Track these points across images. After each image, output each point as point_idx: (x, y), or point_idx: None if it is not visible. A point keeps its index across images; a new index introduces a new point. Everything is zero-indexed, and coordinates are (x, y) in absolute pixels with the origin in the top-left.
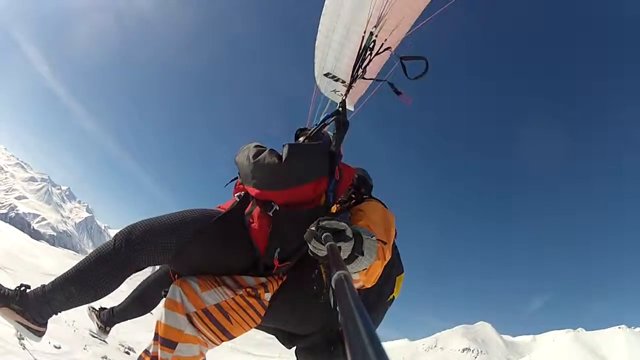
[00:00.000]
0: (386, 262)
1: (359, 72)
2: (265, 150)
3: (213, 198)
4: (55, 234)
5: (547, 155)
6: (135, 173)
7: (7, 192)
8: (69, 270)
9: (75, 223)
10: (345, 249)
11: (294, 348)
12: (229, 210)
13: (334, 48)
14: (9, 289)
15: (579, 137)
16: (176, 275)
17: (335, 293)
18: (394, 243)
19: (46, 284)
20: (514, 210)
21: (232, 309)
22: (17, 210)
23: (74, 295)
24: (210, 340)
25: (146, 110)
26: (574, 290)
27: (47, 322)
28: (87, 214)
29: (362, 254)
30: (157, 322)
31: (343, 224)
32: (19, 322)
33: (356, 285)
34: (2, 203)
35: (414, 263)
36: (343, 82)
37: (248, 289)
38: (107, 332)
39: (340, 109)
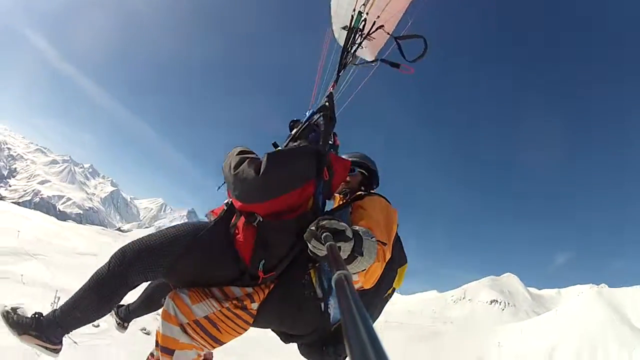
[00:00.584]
0: (386, 262)
1: (347, 58)
2: (246, 159)
3: None
4: (81, 212)
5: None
6: (155, 142)
7: (29, 179)
8: (73, 296)
9: (101, 198)
10: (345, 249)
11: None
12: (215, 222)
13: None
14: (26, 318)
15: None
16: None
17: (336, 293)
18: (396, 236)
19: (57, 309)
20: (538, 163)
21: (220, 320)
22: (41, 195)
23: (79, 318)
24: (204, 346)
25: (163, 78)
26: (597, 248)
27: (61, 341)
28: (112, 188)
29: (362, 255)
30: (157, 331)
31: (343, 224)
32: (37, 345)
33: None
34: (26, 190)
35: (441, 215)
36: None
37: (234, 301)
38: (125, 328)
39: (327, 103)
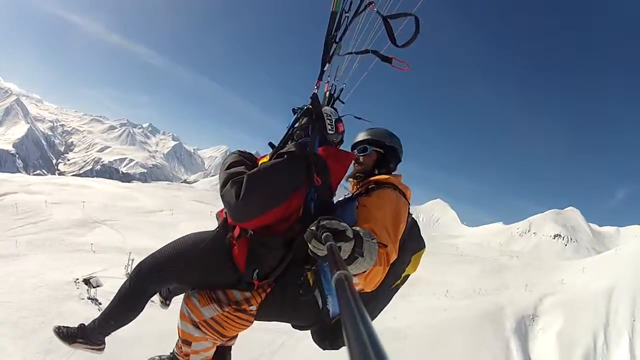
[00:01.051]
0: (389, 266)
1: (333, 48)
2: (229, 180)
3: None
4: (145, 170)
5: None
6: (211, 91)
7: (87, 149)
8: (106, 308)
9: (163, 154)
10: (346, 249)
11: None
12: (216, 232)
13: None
14: (73, 329)
15: None
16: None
17: (336, 292)
18: (412, 221)
19: (95, 319)
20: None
21: (223, 320)
22: (102, 162)
23: (114, 325)
24: (214, 339)
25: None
26: None
27: (104, 341)
28: (173, 142)
29: (362, 256)
30: (177, 326)
31: (344, 224)
32: (86, 349)
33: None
34: (85, 161)
35: (507, 147)
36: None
37: (234, 305)
38: (167, 305)
39: (311, 106)
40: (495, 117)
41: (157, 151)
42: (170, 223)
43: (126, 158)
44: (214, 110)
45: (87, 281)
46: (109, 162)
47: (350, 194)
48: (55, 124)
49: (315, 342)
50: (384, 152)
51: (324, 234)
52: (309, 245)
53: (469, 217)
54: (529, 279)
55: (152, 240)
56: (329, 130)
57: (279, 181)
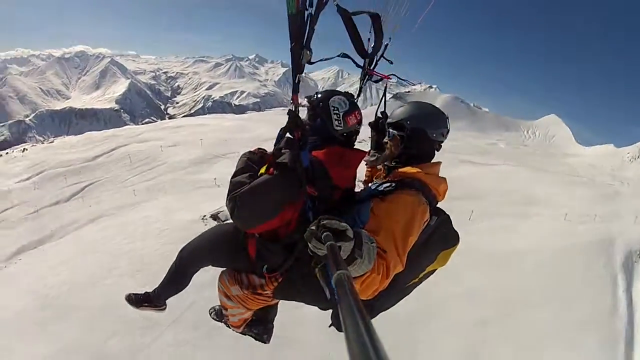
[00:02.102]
0: (389, 279)
1: (302, 55)
2: (230, 193)
3: None
4: (258, 100)
5: None
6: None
7: (195, 89)
8: (162, 281)
9: (274, 82)
10: (346, 249)
11: None
12: (234, 228)
13: None
14: (140, 295)
15: None
16: None
17: (337, 292)
18: (444, 217)
19: (156, 288)
20: None
21: (246, 298)
22: (212, 99)
23: (172, 293)
24: (244, 308)
25: None
26: None
27: (165, 303)
28: (283, 69)
29: (362, 257)
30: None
31: (344, 224)
32: (150, 310)
33: None
34: (195, 100)
35: (618, 70)
36: None
37: (251, 289)
38: None
39: (292, 116)
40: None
41: (267, 80)
42: None
43: (237, 91)
44: (320, 33)
45: (215, 216)
46: (219, 97)
47: (376, 184)
48: (157, 72)
49: (334, 326)
50: (406, 136)
51: (324, 234)
52: (309, 244)
53: (578, 136)
54: (638, 208)
55: None
56: (336, 126)
57: (268, 199)
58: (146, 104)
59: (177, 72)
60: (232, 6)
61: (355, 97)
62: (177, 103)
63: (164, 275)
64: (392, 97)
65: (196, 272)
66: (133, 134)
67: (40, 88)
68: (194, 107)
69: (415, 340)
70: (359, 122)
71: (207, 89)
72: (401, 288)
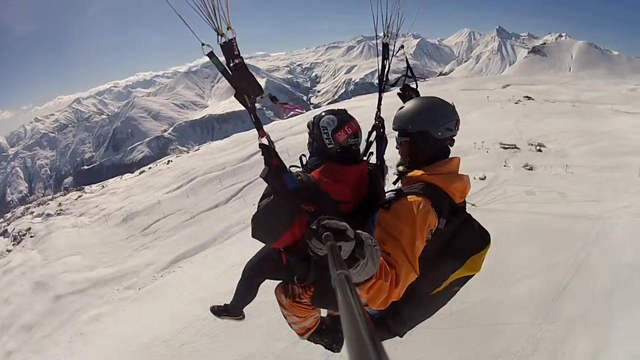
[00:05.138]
0: (398, 289)
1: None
2: (253, 216)
3: None
4: (398, 74)
5: None
6: None
7: (334, 75)
8: (234, 295)
9: (411, 54)
10: (346, 249)
11: None
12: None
13: None
14: (222, 306)
15: None
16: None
17: (336, 293)
18: (468, 218)
19: (232, 300)
20: None
21: (290, 306)
22: (353, 82)
23: (243, 304)
24: (295, 316)
25: None
26: None
27: (242, 312)
28: (416, 40)
29: (364, 257)
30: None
31: (344, 223)
32: (230, 320)
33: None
34: (336, 86)
35: None
36: None
37: (292, 297)
38: None
39: (263, 149)
40: None
41: (402, 53)
42: None
43: (376, 69)
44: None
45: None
46: (360, 79)
47: (394, 191)
48: (291, 66)
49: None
50: (410, 140)
51: (325, 233)
52: (309, 244)
53: None
54: None
55: None
56: (328, 144)
57: (272, 219)
58: (288, 98)
59: (312, 63)
60: None
61: (347, 111)
62: (319, 92)
63: (235, 291)
64: (530, 52)
65: (260, 283)
66: (284, 127)
67: (174, 103)
68: (336, 92)
69: None
70: (352, 135)
71: (345, 73)
72: (426, 297)
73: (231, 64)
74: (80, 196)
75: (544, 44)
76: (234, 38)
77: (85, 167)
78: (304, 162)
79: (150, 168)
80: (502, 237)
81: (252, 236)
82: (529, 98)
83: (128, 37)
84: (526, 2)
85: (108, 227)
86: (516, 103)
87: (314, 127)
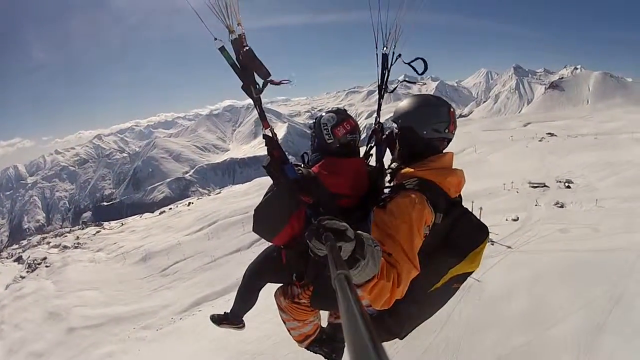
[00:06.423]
0: (401, 288)
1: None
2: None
3: None
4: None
5: None
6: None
7: (359, 115)
8: (234, 301)
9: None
10: (346, 249)
11: None
12: (275, 247)
13: None
14: (221, 315)
15: None
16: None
17: (336, 293)
18: (463, 213)
19: (232, 308)
20: None
21: (289, 309)
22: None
23: (243, 310)
24: (294, 321)
25: None
26: None
27: (242, 320)
28: (434, 83)
29: (364, 258)
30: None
31: (344, 224)
32: (229, 328)
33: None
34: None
35: None
36: None
37: (291, 298)
38: None
39: (267, 140)
40: None
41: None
42: (478, 159)
43: None
44: (463, 41)
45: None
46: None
47: (389, 189)
48: (312, 111)
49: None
50: (399, 133)
51: (325, 234)
52: (309, 244)
53: None
54: None
55: (475, 183)
56: (328, 139)
57: (271, 212)
58: (309, 142)
59: (332, 107)
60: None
61: (347, 110)
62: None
63: (235, 297)
64: (548, 88)
65: (260, 288)
66: None
67: (195, 145)
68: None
69: None
70: (350, 132)
71: (366, 118)
72: (424, 294)
73: (241, 52)
74: (98, 231)
75: (561, 78)
76: (243, 33)
77: (105, 204)
78: (306, 160)
79: (170, 209)
80: (540, 279)
81: (254, 231)
82: (552, 135)
83: (150, 77)
84: (540, 37)
85: (126, 265)
86: (540, 140)
87: (316, 125)
